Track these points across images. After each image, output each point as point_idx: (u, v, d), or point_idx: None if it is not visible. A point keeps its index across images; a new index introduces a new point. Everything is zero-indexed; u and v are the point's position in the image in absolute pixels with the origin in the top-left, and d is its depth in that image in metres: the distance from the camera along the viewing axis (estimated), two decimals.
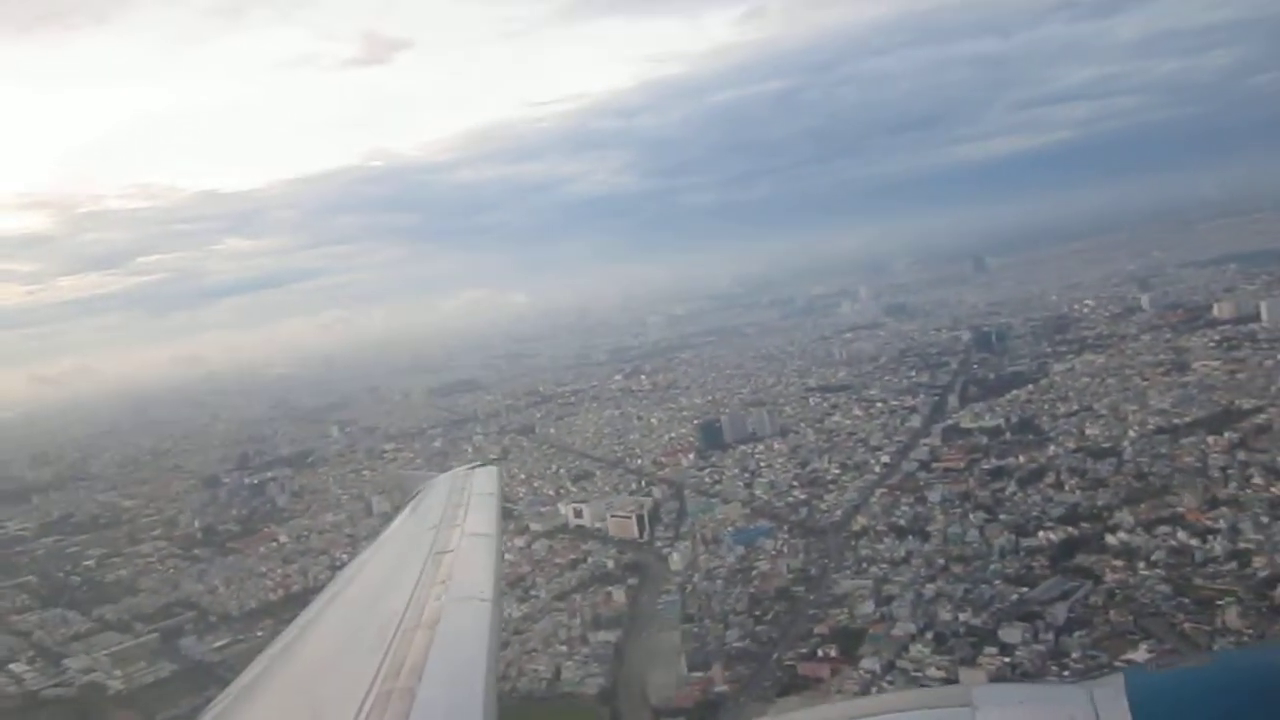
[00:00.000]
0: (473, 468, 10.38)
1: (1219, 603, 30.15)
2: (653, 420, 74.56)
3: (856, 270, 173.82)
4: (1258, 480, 39.02)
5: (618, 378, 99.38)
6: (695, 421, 68.45)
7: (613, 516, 48.73)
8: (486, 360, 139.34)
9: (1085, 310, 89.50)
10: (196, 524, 64.93)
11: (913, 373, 74.64)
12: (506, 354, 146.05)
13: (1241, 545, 33.86)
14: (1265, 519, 35.43)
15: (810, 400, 70.36)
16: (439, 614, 5.40)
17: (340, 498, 65.14)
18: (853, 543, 41.12)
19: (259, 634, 40.60)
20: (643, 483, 56.72)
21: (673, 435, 67.49)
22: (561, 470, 63.09)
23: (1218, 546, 34.02)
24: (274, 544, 56.77)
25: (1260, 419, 46.67)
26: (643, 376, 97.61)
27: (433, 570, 6.36)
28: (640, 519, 47.51)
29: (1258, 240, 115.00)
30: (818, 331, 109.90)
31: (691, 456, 60.32)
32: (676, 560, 42.15)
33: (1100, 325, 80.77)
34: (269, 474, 76.00)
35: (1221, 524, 35.52)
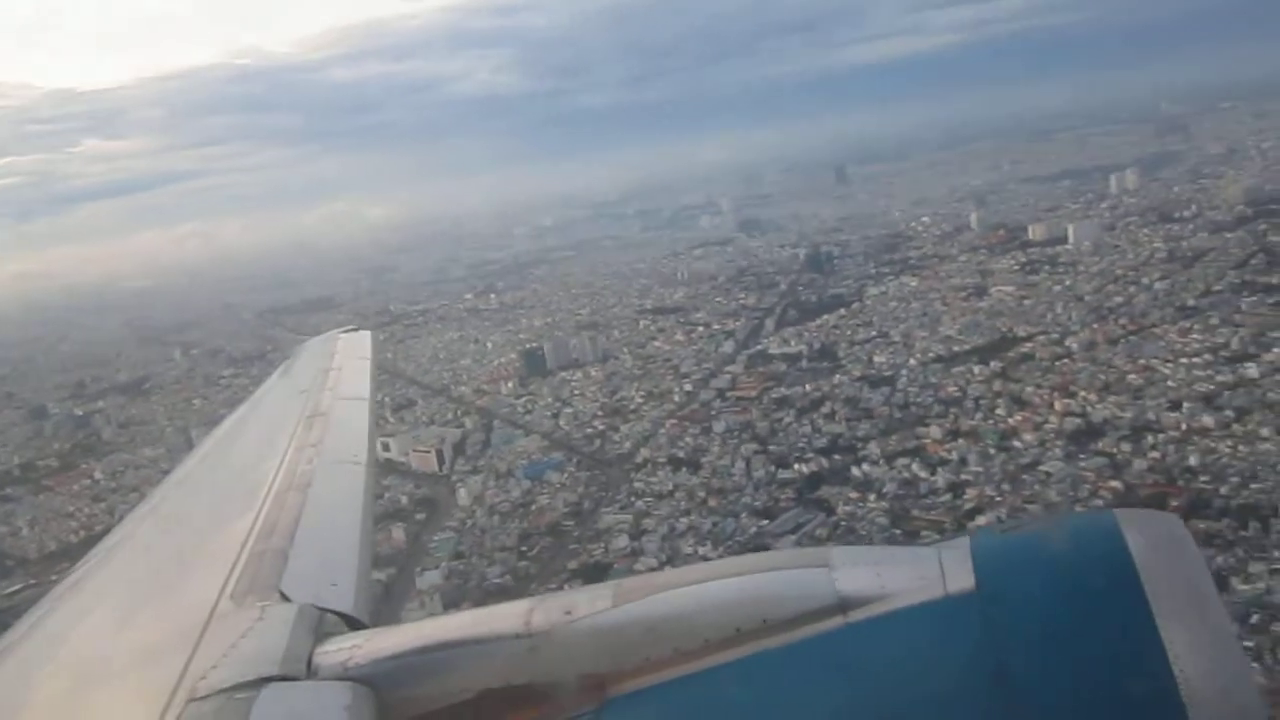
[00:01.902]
0: (344, 331, 10.05)
1: (923, 535, 32.75)
2: (488, 344, 75.41)
3: (728, 179, 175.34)
4: (1000, 412, 41.90)
5: (468, 296, 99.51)
6: (530, 346, 69.56)
7: (415, 450, 49.79)
8: (350, 275, 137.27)
9: (919, 228, 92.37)
10: (15, 460, 64.01)
11: (743, 294, 76.60)
12: (371, 268, 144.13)
13: (963, 477, 36.60)
14: (992, 451, 38.35)
15: (640, 323, 71.93)
16: (310, 477, 5.28)
17: (165, 430, 64.64)
18: (631, 475, 43.06)
19: (53, 578, 40.88)
20: (458, 412, 57.82)
21: (502, 361, 68.47)
22: (385, 399, 63.69)
23: (941, 479, 36.74)
24: (88, 481, 56.41)
25: (1026, 348, 49.76)
26: (492, 295, 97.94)
27: (304, 433, 6.19)
28: (439, 453, 48.70)
29: (1105, 154, 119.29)
30: (672, 247, 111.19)
31: (511, 384, 61.51)
32: (464, 495, 43.59)
33: (927, 245, 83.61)
34: (99, 404, 74.85)
35: (954, 455, 38.34)
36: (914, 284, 68.75)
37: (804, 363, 54.43)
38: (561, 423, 52.15)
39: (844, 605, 2.48)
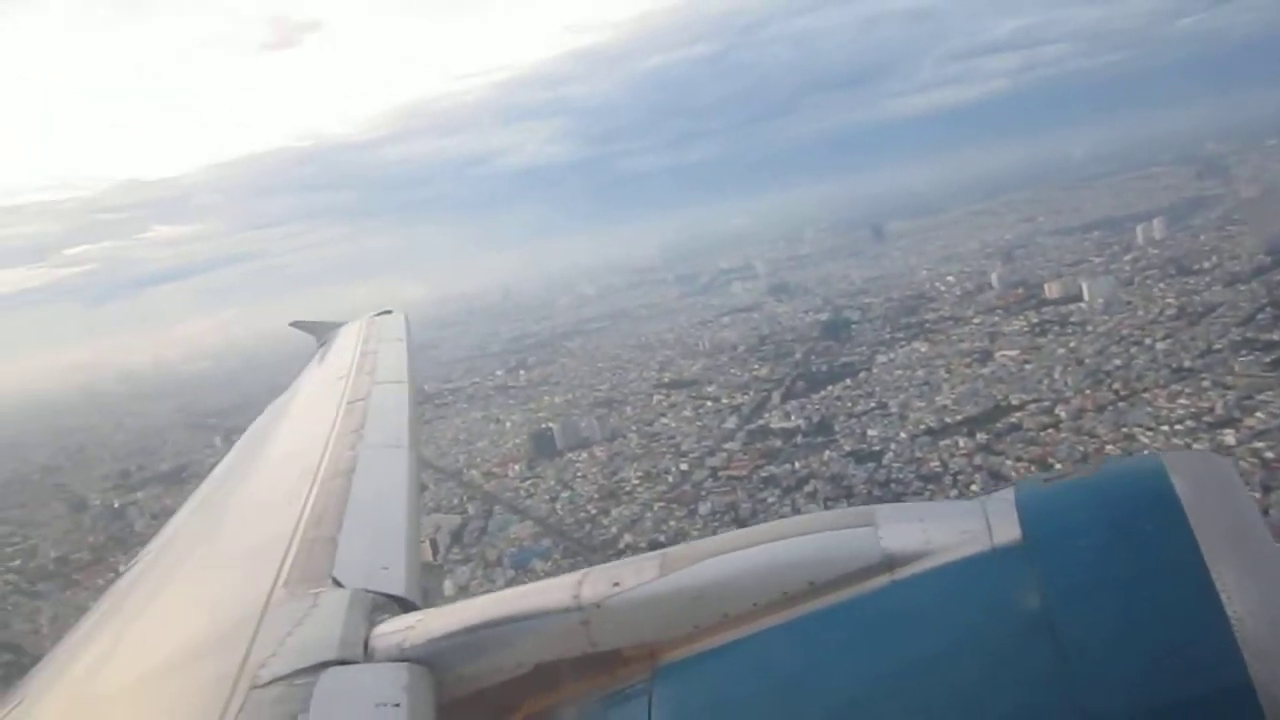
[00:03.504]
0: (378, 314, 10.19)
1: None
2: (507, 424, 76.63)
3: (769, 239, 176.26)
4: (975, 488, 41.69)
5: (499, 373, 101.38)
6: (542, 426, 70.64)
7: None
8: None
9: (942, 289, 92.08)
10: (52, 553, 66.50)
11: (758, 364, 76.96)
12: (416, 344, 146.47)
13: None
14: None
15: (654, 398, 72.58)
16: (354, 463, 5.34)
17: None
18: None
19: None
20: (464, 497, 58.94)
21: (517, 441, 69.62)
22: None
23: None
24: (111, 575, 58.04)
25: (1015, 417, 49.44)
26: (522, 372, 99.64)
27: (345, 420, 6.27)
28: (434, 541, 49.65)
29: (1141, 200, 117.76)
30: (703, 314, 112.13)
31: (519, 467, 62.54)
32: (449, 586, 44.48)
33: (945, 306, 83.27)
34: (138, 495, 77.49)
35: None
36: (923, 349, 68.50)
37: (799, 438, 54.61)
38: (558, 507, 52.94)
39: (890, 563, 2.51)
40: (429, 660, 2.80)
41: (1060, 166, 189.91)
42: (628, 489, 53.23)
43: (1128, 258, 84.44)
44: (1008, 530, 2.42)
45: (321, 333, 10.71)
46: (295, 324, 11.60)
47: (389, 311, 10.29)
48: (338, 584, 3.63)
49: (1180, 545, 2.19)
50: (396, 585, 3.72)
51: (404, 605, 3.48)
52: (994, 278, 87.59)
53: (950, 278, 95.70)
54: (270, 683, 2.77)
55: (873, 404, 57.54)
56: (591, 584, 2.77)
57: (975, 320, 74.33)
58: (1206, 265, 73.04)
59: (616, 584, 2.74)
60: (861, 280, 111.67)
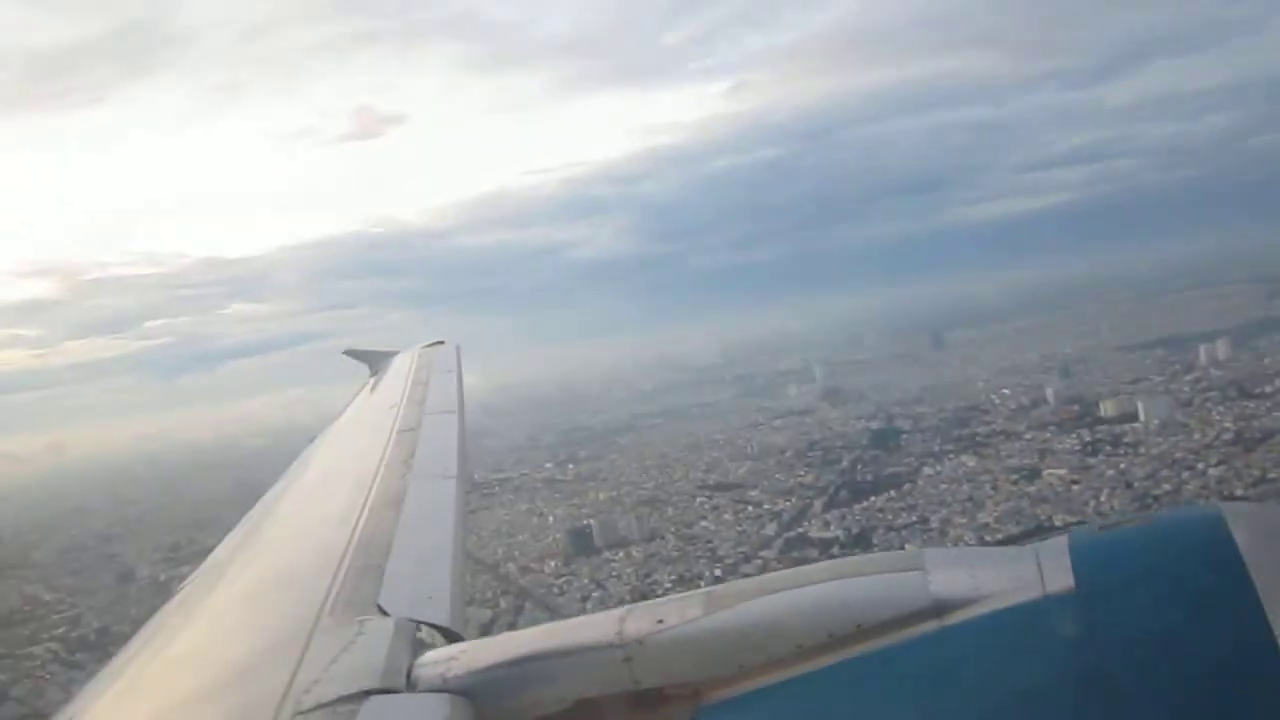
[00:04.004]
0: (430, 345, 10.18)
1: None
2: (550, 518, 76.58)
3: (830, 342, 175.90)
4: None
5: (548, 465, 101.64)
6: (582, 523, 70.56)
7: None
8: None
9: (997, 401, 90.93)
10: (95, 624, 67.40)
11: (804, 470, 76.35)
12: (472, 431, 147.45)
13: None
14: None
15: (696, 499, 72.25)
16: (403, 492, 5.38)
17: None
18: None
19: None
20: (498, 591, 58.84)
21: (557, 536, 69.53)
22: None
23: None
24: None
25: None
26: (570, 465, 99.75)
27: (395, 449, 6.30)
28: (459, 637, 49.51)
29: (1207, 319, 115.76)
30: (755, 416, 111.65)
31: (555, 563, 62.38)
32: None
33: (999, 420, 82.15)
34: (184, 569, 78.27)
35: None
36: (971, 464, 67.31)
37: (836, 548, 53.83)
38: (588, 606, 52.55)
39: (939, 608, 2.45)
40: (471, 692, 2.78)
41: (1129, 281, 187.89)
42: (659, 592, 52.63)
43: (1189, 378, 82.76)
44: (1061, 578, 2.37)
45: (374, 361, 10.76)
46: (348, 352, 11.73)
47: (441, 342, 10.34)
48: (383, 612, 3.63)
49: (1241, 598, 2.12)
50: (441, 615, 3.72)
51: (448, 635, 3.49)
52: (1050, 392, 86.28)
53: (1006, 390, 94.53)
54: (313, 709, 2.77)
55: (914, 517, 56.71)
56: (636, 620, 2.73)
57: (1027, 436, 73.04)
58: (1269, 389, 71.26)
59: (660, 621, 2.69)
60: (917, 388, 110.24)
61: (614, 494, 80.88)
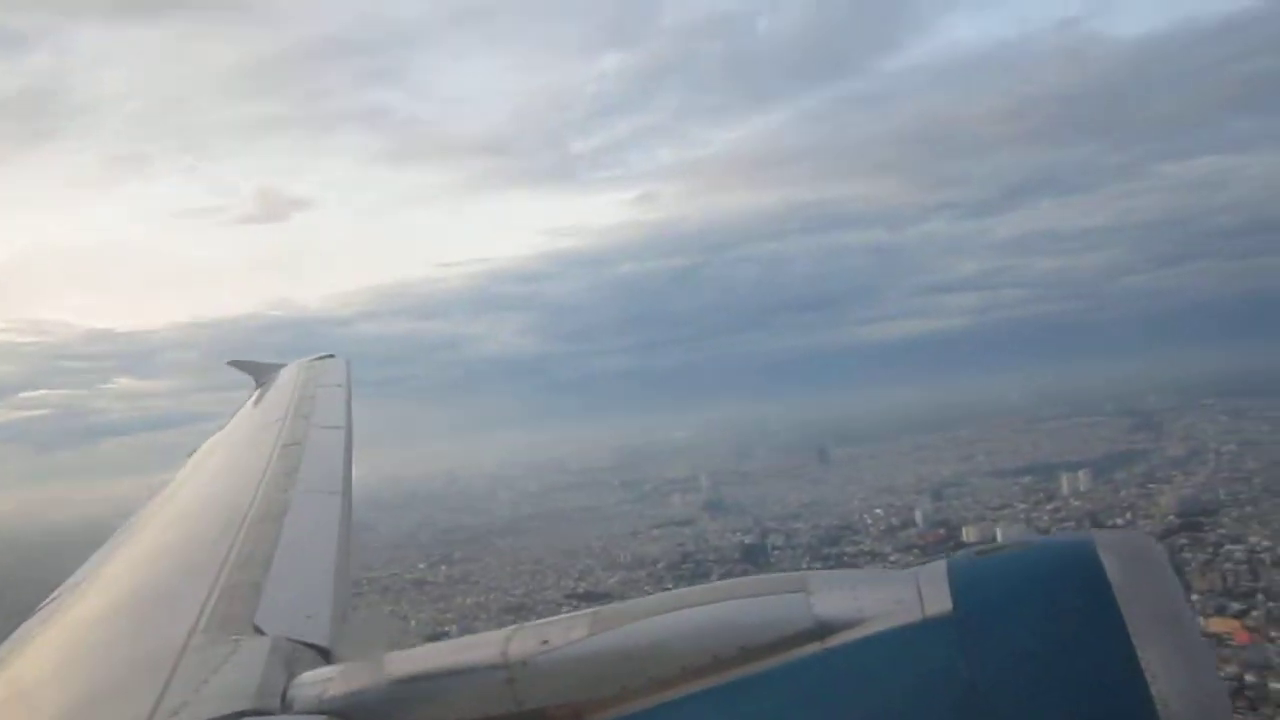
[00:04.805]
0: (319, 358, 9.84)
1: None
2: (412, 622, 74.48)
3: (720, 452, 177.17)
4: None
5: (421, 566, 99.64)
6: (442, 630, 68.90)
7: None
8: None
9: (869, 521, 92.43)
10: None
11: (672, 583, 75.79)
12: (355, 524, 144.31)
13: None
14: None
15: (562, 609, 71.00)
16: (286, 507, 5.16)
17: None
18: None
19: None
20: None
21: (413, 645, 67.59)
22: None
23: None
24: None
25: None
26: (443, 567, 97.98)
27: (279, 463, 6.06)
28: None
29: (1076, 448, 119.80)
30: (635, 523, 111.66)
31: None
32: None
33: (868, 540, 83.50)
34: None
35: None
36: None
37: None
38: None
39: (821, 630, 2.49)
40: (349, 713, 2.70)
41: (1011, 406, 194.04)
42: None
43: (1049, 506, 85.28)
44: (939, 601, 2.42)
45: (260, 374, 10.36)
46: (233, 363, 11.30)
47: (330, 356, 10.02)
48: (259, 631, 3.49)
49: (1108, 623, 2.20)
50: (320, 635, 3.57)
51: (327, 656, 3.37)
52: (919, 514, 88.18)
53: (879, 510, 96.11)
54: None
55: None
56: (520, 641, 2.70)
57: (892, 558, 74.15)
58: (1120, 522, 73.77)
59: (545, 642, 2.67)
60: (797, 504, 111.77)
61: (481, 600, 79.56)
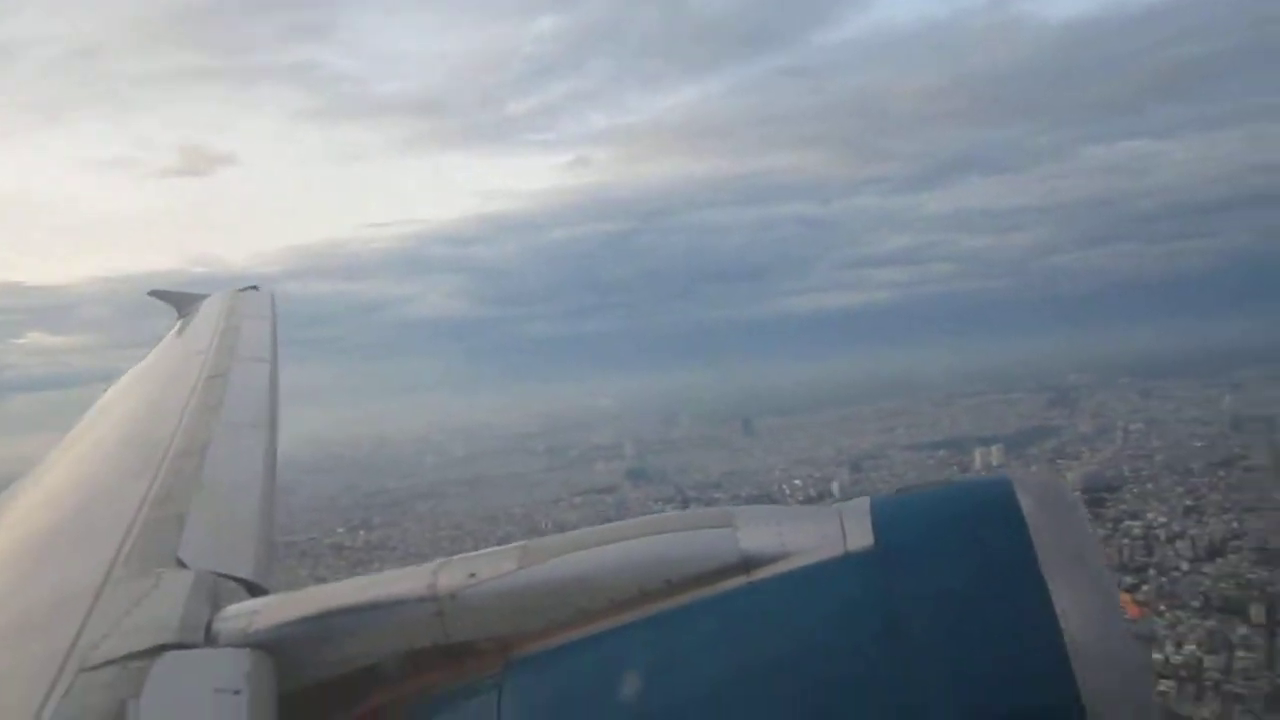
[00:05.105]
0: (243, 289, 9.60)
1: None
2: None
3: (647, 419, 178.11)
4: None
5: (339, 530, 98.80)
6: None
7: None
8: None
9: (788, 491, 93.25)
10: None
11: None
12: (277, 487, 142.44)
13: None
14: None
15: None
16: (209, 440, 5.03)
17: None
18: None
19: None
20: None
21: None
22: None
23: None
24: None
25: None
26: (362, 532, 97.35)
27: (202, 396, 5.92)
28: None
29: (993, 423, 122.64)
30: (558, 490, 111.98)
31: None
32: None
33: None
34: None
35: None
36: None
37: None
38: None
39: (747, 564, 2.51)
40: (274, 647, 2.65)
41: (934, 380, 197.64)
42: None
43: None
44: (861, 536, 2.47)
45: (182, 304, 9.94)
46: (154, 293, 10.79)
47: (254, 287, 9.74)
48: (182, 565, 3.42)
49: (1021, 559, 2.28)
50: (245, 568, 3.53)
51: (253, 589, 3.31)
52: (836, 486, 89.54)
53: (798, 481, 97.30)
54: (101, 665, 2.58)
55: None
56: (448, 574, 2.67)
57: None
58: None
59: (473, 575, 2.65)
60: (719, 473, 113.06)
61: (397, 566, 78.73)
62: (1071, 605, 2.21)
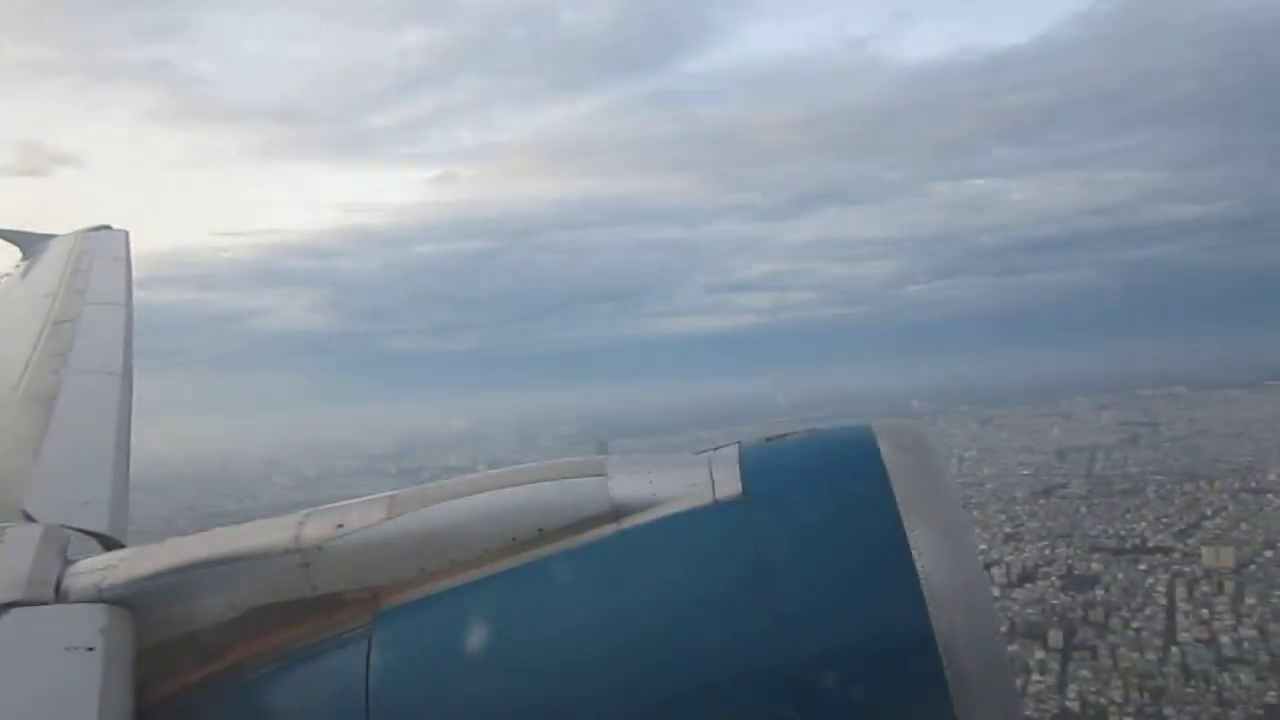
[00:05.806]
0: (95, 229, 8.80)
1: None
2: None
3: (505, 439, 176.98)
4: None
5: None
6: None
7: None
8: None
9: None
10: None
11: None
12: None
13: None
14: None
15: None
16: (57, 389, 4.80)
17: None
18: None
19: None
20: None
21: None
22: None
23: None
24: None
25: None
26: None
27: (50, 342, 5.59)
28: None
29: None
30: None
31: None
32: None
33: None
34: None
35: None
36: None
37: None
38: None
39: (617, 512, 2.50)
40: (131, 601, 2.54)
41: (785, 404, 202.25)
42: None
43: None
44: (730, 484, 2.49)
45: (28, 244, 9.25)
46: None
47: (107, 226, 9.11)
48: (29, 518, 3.36)
49: (880, 504, 2.35)
50: (99, 521, 3.45)
51: (107, 543, 3.22)
52: None
53: None
54: None
55: None
56: (314, 525, 2.59)
57: None
58: None
59: (340, 525, 2.57)
60: None
61: None
62: (927, 546, 2.31)
